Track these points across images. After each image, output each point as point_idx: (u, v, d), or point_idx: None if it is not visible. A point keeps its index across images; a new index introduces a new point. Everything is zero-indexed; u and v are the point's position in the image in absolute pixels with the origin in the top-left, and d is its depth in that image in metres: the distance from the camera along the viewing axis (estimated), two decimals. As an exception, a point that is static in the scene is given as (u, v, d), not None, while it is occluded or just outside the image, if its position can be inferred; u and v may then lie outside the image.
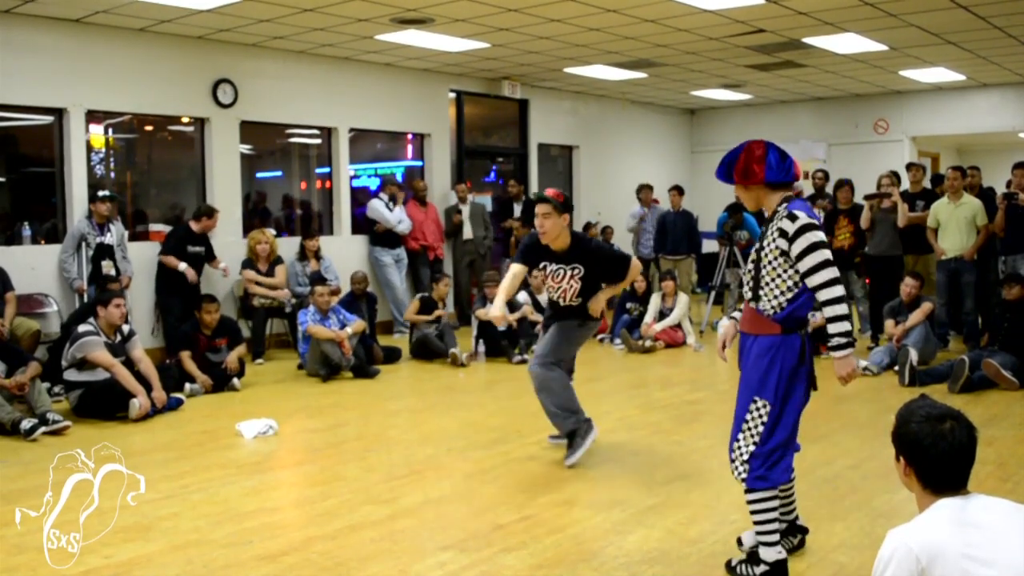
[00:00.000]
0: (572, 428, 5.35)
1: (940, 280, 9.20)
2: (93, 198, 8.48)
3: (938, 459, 2.27)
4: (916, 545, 2.14)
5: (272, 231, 10.11)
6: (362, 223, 11.39)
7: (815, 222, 3.47)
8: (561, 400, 5.37)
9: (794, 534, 3.89)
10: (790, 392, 3.52)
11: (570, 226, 5.37)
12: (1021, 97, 13.54)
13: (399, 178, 12.24)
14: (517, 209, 11.88)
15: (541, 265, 5.39)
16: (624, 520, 4.35)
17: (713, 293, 11.33)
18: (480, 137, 13.29)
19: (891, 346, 8.37)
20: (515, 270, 5.43)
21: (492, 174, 13.86)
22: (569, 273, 5.33)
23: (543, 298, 10.02)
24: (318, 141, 11.31)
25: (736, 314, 3.94)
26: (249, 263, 9.58)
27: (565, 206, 5.27)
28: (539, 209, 5.24)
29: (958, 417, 2.32)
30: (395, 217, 10.94)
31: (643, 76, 12.56)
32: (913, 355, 7.73)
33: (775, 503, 3.58)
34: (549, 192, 5.31)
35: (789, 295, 3.51)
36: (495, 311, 5.33)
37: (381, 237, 11.01)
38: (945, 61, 11.65)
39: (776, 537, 3.57)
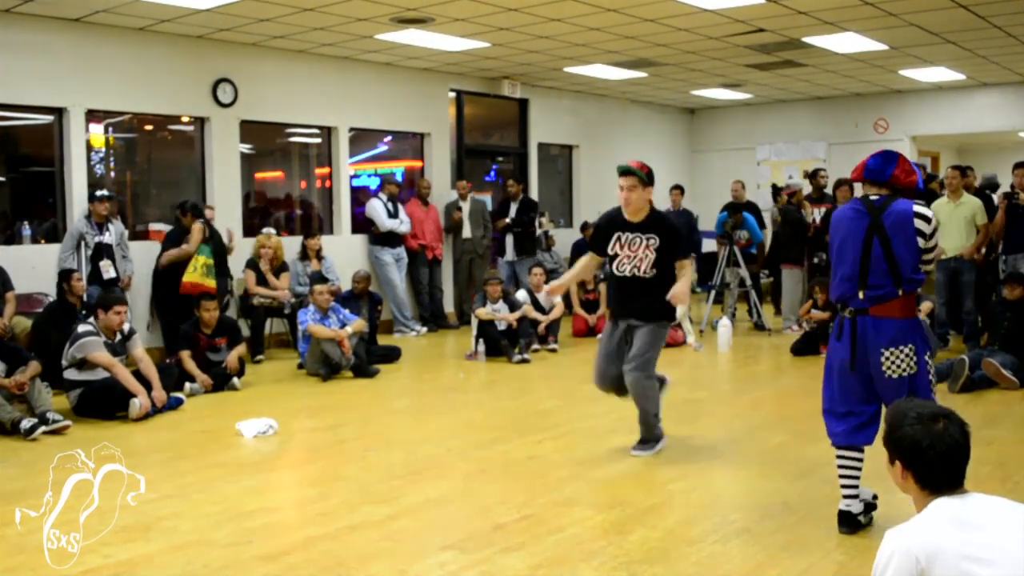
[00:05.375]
0: (655, 435, 5.54)
1: (940, 279, 9.20)
2: (91, 198, 8.49)
3: (936, 460, 2.27)
4: (915, 545, 2.14)
5: (272, 230, 10.10)
6: (362, 222, 11.40)
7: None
8: (656, 407, 5.49)
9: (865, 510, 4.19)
10: (831, 365, 4.11)
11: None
12: (1021, 97, 13.54)
13: (399, 177, 12.25)
14: (513, 208, 11.86)
15: (615, 236, 5.37)
16: (624, 520, 4.35)
17: (713, 292, 11.32)
18: (480, 137, 13.29)
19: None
20: (584, 259, 5.66)
21: (492, 174, 13.86)
22: (645, 242, 5.31)
23: (543, 297, 10.04)
24: (318, 141, 11.31)
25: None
26: (252, 263, 9.57)
27: (650, 179, 5.33)
28: (625, 182, 5.27)
29: (949, 415, 2.32)
30: (394, 221, 10.94)
31: (643, 76, 12.55)
32: (913, 354, 7.72)
33: (841, 461, 4.11)
34: (634, 164, 5.34)
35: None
36: (557, 287, 5.68)
37: (381, 236, 11.01)
38: (945, 60, 11.65)
39: (843, 491, 4.11)
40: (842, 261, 4.05)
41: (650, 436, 5.53)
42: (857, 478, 4.11)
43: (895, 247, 3.89)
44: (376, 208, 10.96)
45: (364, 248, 11.13)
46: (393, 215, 10.98)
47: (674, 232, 5.44)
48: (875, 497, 4.22)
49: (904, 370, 3.91)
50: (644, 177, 5.28)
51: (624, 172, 5.29)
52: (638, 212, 5.33)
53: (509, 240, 11.85)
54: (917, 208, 3.94)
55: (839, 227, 4.11)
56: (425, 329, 11.26)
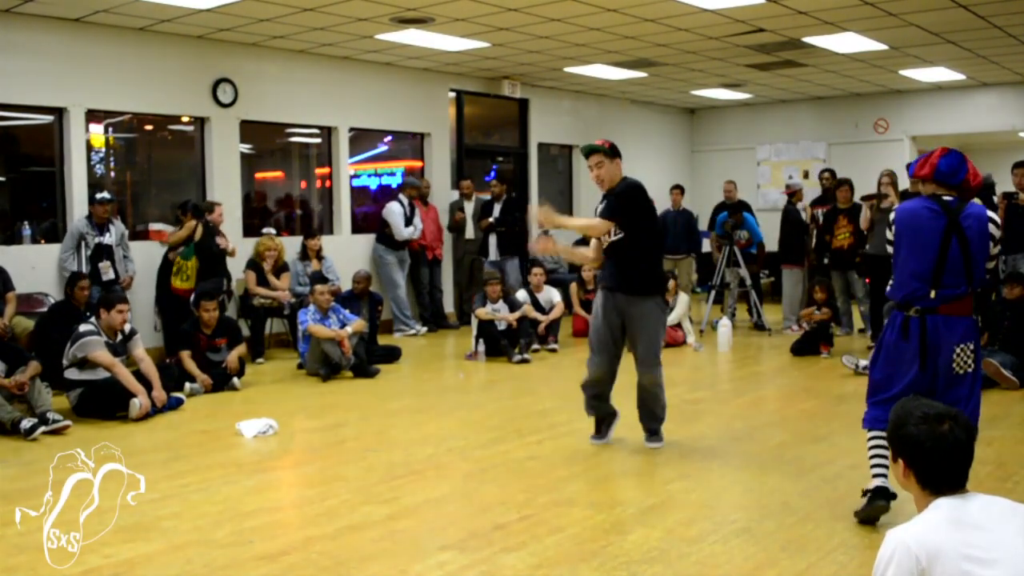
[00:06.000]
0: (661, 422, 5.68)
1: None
2: (91, 200, 8.47)
3: (939, 461, 2.26)
4: (916, 545, 2.13)
5: (273, 231, 10.09)
6: (360, 221, 11.37)
7: None
8: (664, 402, 5.62)
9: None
10: (890, 362, 4.11)
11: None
12: (1021, 97, 13.54)
13: (400, 177, 12.24)
14: (497, 208, 11.80)
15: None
16: (624, 520, 4.35)
17: (713, 292, 11.32)
18: (480, 137, 13.29)
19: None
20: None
21: (492, 174, 13.85)
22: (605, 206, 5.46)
23: (543, 297, 10.05)
24: (318, 141, 11.31)
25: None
26: (253, 264, 9.57)
27: (614, 151, 5.43)
28: (592, 161, 5.40)
29: (955, 417, 2.32)
30: (409, 229, 10.90)
31: (643, 76, 12.55)
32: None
33: (877, 442, 4.17)
34: (597, 142, 5.46)
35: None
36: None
37: (388, 237, 10.96)
38: (945, 60, 11.65)
39: (873, 470, 4.19)
40: (917, 259, 4.05)
41: (659, 425, 5.64)
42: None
43: (973, 248, 3.98)
44: (395, 213, 10.88)
45: (365, 247, 11.11)
46: (410, 221, 10.95)
47: (619, 196, 5.41)
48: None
49: (968, 366, 4.02)
50: (608, 150, 5.38)
51: (588, 152, 5.41)
52: (609, 186, 5.44)
53: (492, 240, 11.79)
54: (990, 213, 4.07)
55: (910, 224, 4.09)
56: (425, 328, 11.25)
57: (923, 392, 3.95)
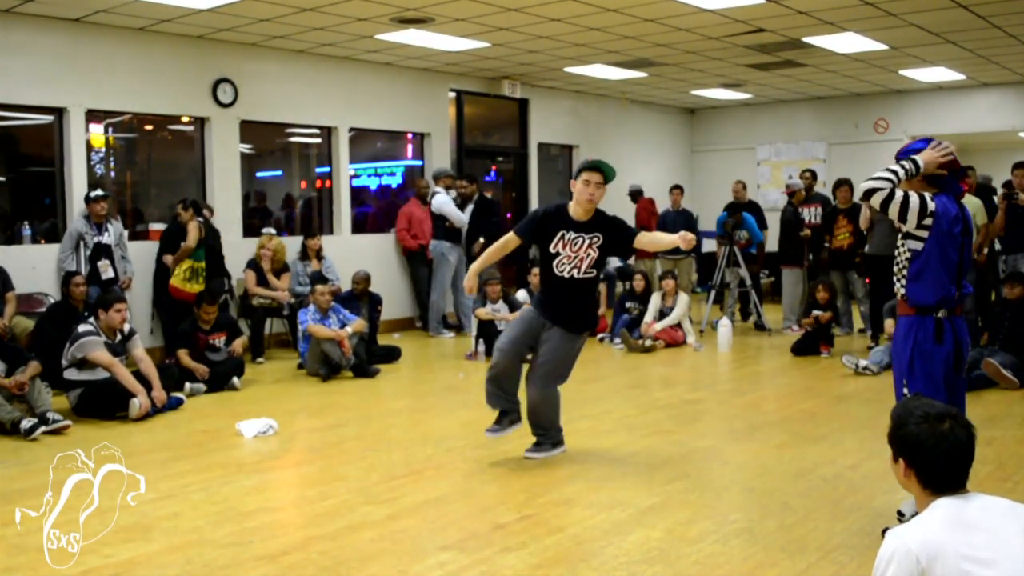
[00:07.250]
0: (554, 439, 5.54)
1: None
2: (87, 199, 8.43)
3: (939, 460, 2.26)
4: (916, 546, 2.13)
5: (272, 230, 10.09)
6: (360, 222, 11.36)
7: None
8: (553, 418, 5.48)
9: None
10: (926, 368, 3.89)
11: None
12: (1021, 97, 13.55)
13: (400, 177, 12.23)
14: (469, 210, 11.71)
15: (559, 234, 5.26)
16: (624, 520, 4.35)
17: (713, 292, 11.31)
18: (480, 137, 13.29)
19: (891, 345, 8.36)
20: (507, 238, 5.41)
21: (492, 174, 13.86)
22: (588, 242, 5.26)
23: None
24: (318, 141, 11.31)
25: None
26: (253, 264, 9.57)
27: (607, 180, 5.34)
28: (594, 177, 5.19)
29: (956, 416, 2.32)
30: (464, 215, 10.78)
31: (643, 75, 12.56)
32: (913, 355, 7.71)
33: None
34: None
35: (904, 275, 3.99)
36: (468, 277, 5.47)
37: (448, 231, 10.80)
38: (945, 60, 11.66)
39: None
40: (946, 258, 3.88)
41: (546, 440, 5.49)
42: None
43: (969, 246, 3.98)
44: (447, 202, 10.76)
45: (365, 247, 11.08)
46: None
47: (615, 223, 5.36)
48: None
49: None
50: (611, 179, 5.27)
51: (597, 168, 5.21)
52: (589, 212, 5.29)
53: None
54: None
55: (946, 226, 3.87)
56: (454, 333, 11.12)
57: (949, 395, 3.90)
